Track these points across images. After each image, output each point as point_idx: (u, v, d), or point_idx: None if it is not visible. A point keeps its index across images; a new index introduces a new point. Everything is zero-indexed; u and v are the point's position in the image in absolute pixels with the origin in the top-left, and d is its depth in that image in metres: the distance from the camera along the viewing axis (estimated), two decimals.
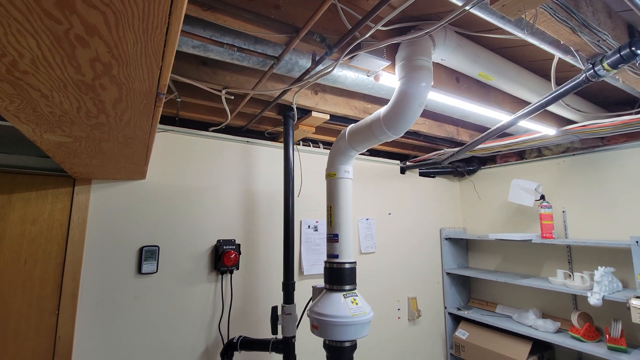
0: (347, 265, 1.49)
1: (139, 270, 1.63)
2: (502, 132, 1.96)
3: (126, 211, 1.65)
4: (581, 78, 1.28)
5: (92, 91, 0.60)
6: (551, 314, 2.44)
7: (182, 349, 1.69)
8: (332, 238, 1.53)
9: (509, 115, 1.77)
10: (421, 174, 2.97)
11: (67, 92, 0.60)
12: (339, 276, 1.48)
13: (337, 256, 1.50)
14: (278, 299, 2.00)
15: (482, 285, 2.95)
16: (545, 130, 2.07)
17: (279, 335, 1.64)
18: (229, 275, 1.85)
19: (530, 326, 2.33)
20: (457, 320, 2.83)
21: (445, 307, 2.85)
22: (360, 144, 1.49)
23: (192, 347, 1.72)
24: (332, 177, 1.58)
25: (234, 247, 1.84)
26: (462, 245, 3.08)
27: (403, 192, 2.79)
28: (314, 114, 1.80)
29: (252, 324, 1.90)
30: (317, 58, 1.23)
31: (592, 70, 1.21)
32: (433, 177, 3.05)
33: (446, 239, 2.95)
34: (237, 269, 1.87)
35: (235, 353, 1.66)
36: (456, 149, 2.50)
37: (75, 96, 0.62)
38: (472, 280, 3.03)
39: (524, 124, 1.94)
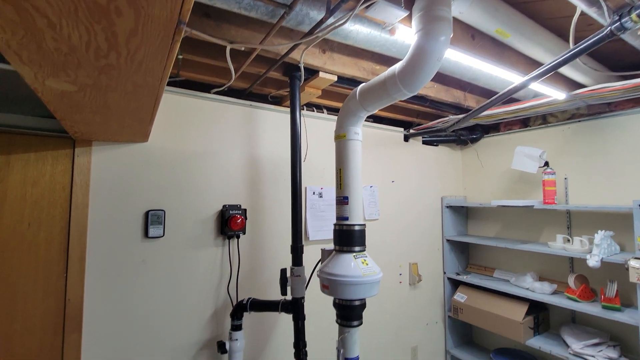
0: (357, 227, 1.48)
1: (146, 234, 1.61)
2: (509, 98, 1.93)
3: (130, 175, 1.61)
4: (605, 32, 1.23)
5: (106, 18, 0.54)
6: (548, 278, 2.52)
7: (192, 310, 1.71)
8: (342, 200, 1.51)
9: (522, 77, 1.72)
10: (424, 142, 2.94)
11: (78, 20, 0.54)
12: (348, 238, 1.47)
13: (347, 218, 1.49)
14: (284, 263, 2.02)
15: (480, 251, 3.02)
16: (555, 95, 2.03)
17: (288, 297, 1.66)
18: (236, 239, 1.85)
19: (528, 289, 2.40)
20: (455, 284, 2.91)
21: (445, 273, 2.92)
22: (372, 103, 1.44)
23: (202, 309, 1.74)
24: (341, 139, 1.54)
25: (240, 212, 1.83)
26: (462, 214, 3.11)
27: (406, 160, 2.77)
28: (321, 74, 1.73)
29: (259, 287, 1.92)
30: (332, 6, 1.15)
31: (619, 23, 1.16)
32: (436, 145, 3.03)
33: (447, 207, 2.97)
34: (244, 233, 1.86)
35: (245, 314, 1.68)
36: (461, 116, 2.46)
37: (85, 26, 0.56)
38: (471, 247, 3.09)
39: (534, 86, 1.90)
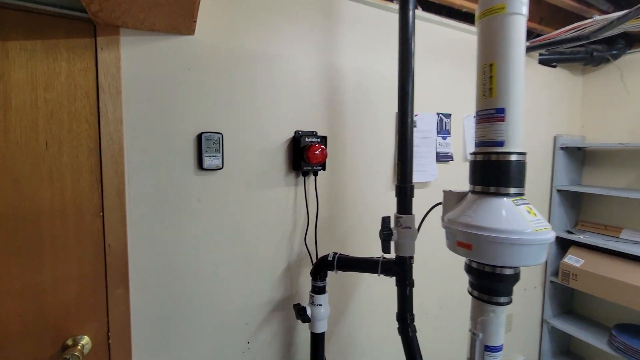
0: (514, 158, 0.95)
1: (200, 164, 1.19)
2: None
3: (174, 81, 1.15)
4: None
5: None
6: None
7: (261, 264, 1.33)
8: (494, 115, 0.96)
9: None
10: (540, 62, 2.20)
11: None
12: (503, 173, 0.95)
13: (501, 143, 0.95)
14: (368, 209, 1.56)
15: (599, 206, 2.37)
16: None
17: (389, 255, 1.21)
18: (313, 177, 1.39)
19: None
20: (563, 245, 2.35)
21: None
22: None
23: (273, 263, 1.36)
24: (495, 15, 0.94)
25: (319, 139, 1.34)
26: (578, 158, 2.43)
27: None
28: None
29: (338, 238, 1.50)
30: None
31: None
32: (554, 66, 2.27)
33: (562, 148, 2.30)
34: (324, 169, 1.39)
35: (330, 273, 1.28)
36: (616, 14, 1.69)
37: None
38: (585, 200, 2.44)
39: None
